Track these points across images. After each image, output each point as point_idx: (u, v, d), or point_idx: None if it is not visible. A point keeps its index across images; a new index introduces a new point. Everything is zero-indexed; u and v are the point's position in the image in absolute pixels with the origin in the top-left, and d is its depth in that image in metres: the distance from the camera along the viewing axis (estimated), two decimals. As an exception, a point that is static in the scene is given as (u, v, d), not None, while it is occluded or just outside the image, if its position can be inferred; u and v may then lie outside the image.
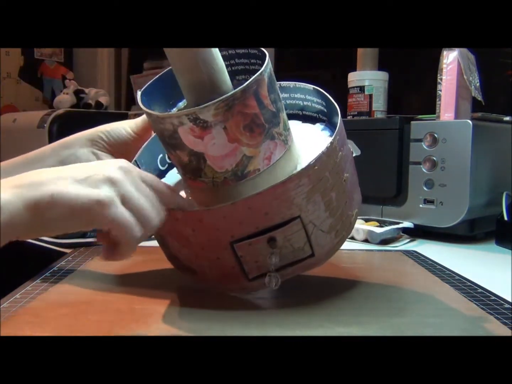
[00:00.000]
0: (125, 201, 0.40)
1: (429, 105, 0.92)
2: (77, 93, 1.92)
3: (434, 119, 0.88)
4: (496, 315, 0.44)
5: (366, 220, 0.89)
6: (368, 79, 1.08)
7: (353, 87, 1.10)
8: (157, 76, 0.51)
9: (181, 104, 0.53)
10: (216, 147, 0.43)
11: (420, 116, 0.92)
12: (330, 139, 0.45)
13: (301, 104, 0.57)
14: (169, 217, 0.44)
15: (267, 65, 0.43)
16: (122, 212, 0.39)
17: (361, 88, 1.08)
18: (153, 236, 0.48)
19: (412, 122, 0.87)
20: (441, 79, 0.87)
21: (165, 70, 0.51)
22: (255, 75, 0.42)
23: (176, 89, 0.47)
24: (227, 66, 0.47)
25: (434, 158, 0.83)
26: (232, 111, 0.41)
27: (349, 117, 1.11)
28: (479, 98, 0.90)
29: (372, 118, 1.06)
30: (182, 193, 0.52)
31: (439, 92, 0.87)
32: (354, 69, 1.16)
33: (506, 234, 0.82)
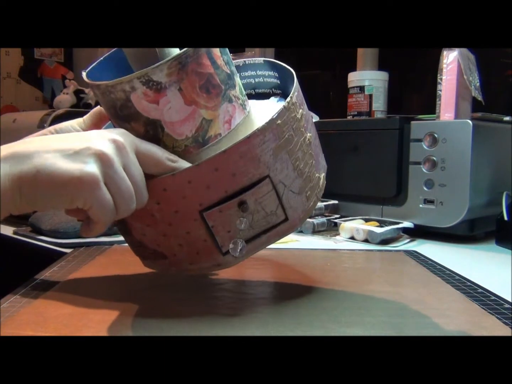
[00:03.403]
0: (108, 182, 0.39)
1: (429, 105, 0.92)
2: (77, 93, 1.92)
3: (434, 119, 0.88)
4: (496, 315, 0.44)
5: (366, 220, 0.89)
6: (368, 79, 1.08)
7: (353, 87, 1.10)
8: (102, 57, 0.49)
9: None
10: (173, 111, 0.41)
11: (420, 116, 0.92)
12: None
13: (253, 82, 0.57)
14: None
15: None
16: (104, 194, 0.38)
17: (361, 88, 1.08)
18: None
19: (412, 122, 0.87)
20: (441, 79, 0.87)
21: (109, 53, 0.49)
22: None
23: (121, 72, 0.46)
24: None
25: (434, 158, 0.83)
26: (186, 70, 0.40)
27: (349, 117, 1.11)
28: (479, 98, 0.90)
29: (372, 118, 1.07)
30: None
31: (439, 92, 0.87)
32: (354, 69, 1.16)
33: (506, 234, 0.82)
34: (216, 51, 0.43)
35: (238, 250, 0.43)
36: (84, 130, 0.56)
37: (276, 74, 0.54)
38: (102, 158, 0.38)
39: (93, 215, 0.39)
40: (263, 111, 0.50)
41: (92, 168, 0.38)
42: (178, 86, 0.40)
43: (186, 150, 0.43)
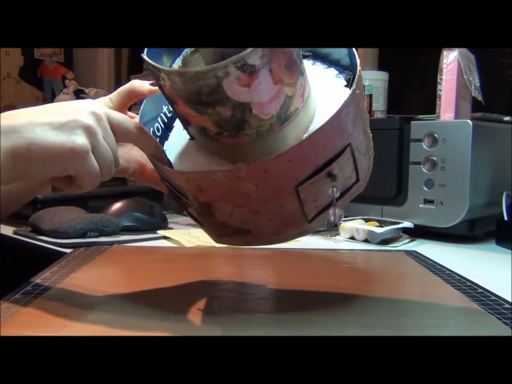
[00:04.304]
0: (95, 151, 0.42)
1: (429, 105, 0.92)
2: (77, 93, 1.92)
3: (434, 119, 0.88)
4: (496, 315, 0.44)
5: (366, 220, 0.89)
6: (368, 79, 1.08)
7: (353, 87, 1.10)
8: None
9: (177, 63, 0.50)
10: (263, 92, 0.42)
11: (420, 116, 0.92)
12: (329, 70, 0.47)
13: None
14: (226, 180, 0.42)
15: None
16: (93, 162, 0.41)
17: (361, 88, 1.08)
18: (152, 236, 0.46)
19: (412, 122, 0.87)
20: (441, 79, 0.87)
21: None
22: None
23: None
24: None
25: (434, 158, 0.83)
26: (276, 50, 0.41)
27: (349, 117, 1.11)
28: (479, 98, 0.90)
29: (372, 118, 1.06)
30: (197, 157, 0.48)
31: (439, 92, 0.87)
32: (354, 69, 1.16)
33: (506, 234, 0.82)
34: None
35: (338, 217, 0.46)
36: (112, 109, 0.56)
37: None
38: (88, 130, 0.41)
39: (82, 181, 0.42)
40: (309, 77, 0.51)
41: (82, 139, 0.41)
42: (269, 67, 0.41)
43: (270, 128, 0.43)
